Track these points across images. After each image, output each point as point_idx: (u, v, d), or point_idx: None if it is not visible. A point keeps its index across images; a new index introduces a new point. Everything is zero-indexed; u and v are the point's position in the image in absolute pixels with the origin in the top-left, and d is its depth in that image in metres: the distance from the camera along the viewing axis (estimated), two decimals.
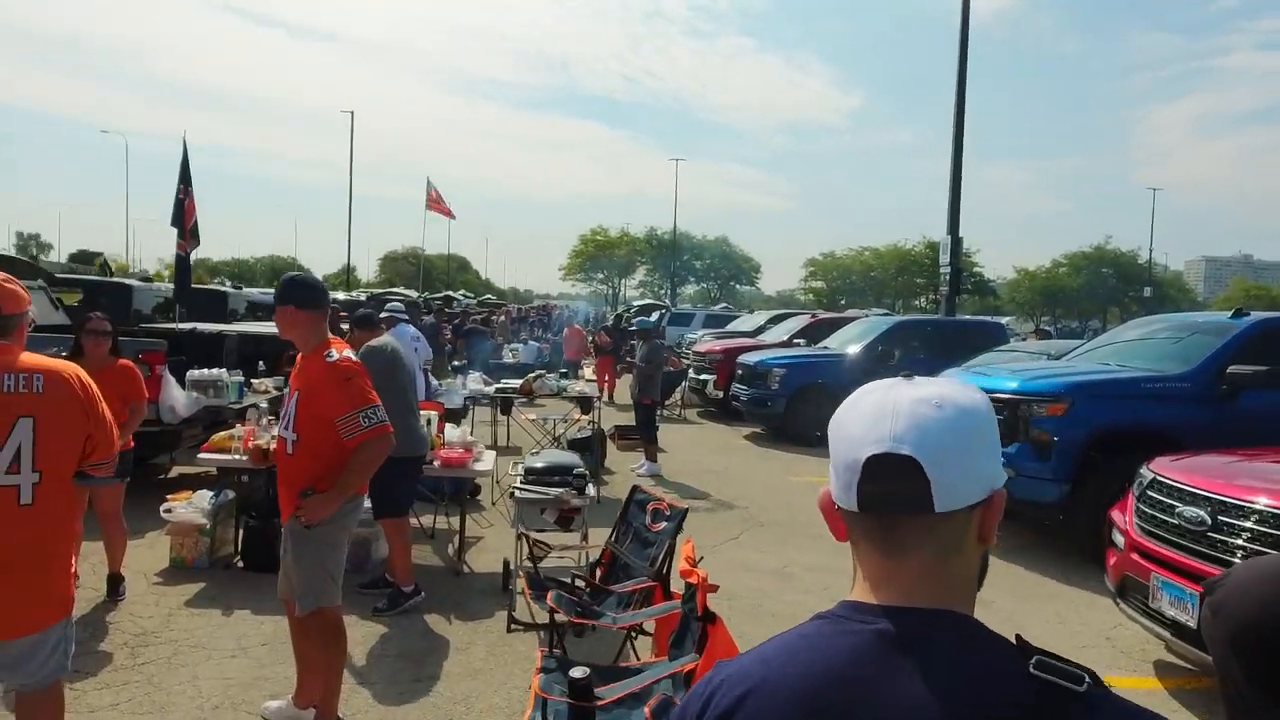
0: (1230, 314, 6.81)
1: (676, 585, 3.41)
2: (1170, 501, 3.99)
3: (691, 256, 60.33)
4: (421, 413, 5.55)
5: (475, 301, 37.78)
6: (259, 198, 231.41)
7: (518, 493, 4.47)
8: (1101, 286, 57.22)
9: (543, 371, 8.17)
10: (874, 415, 0.85)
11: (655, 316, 27.60)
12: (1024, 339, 17.25)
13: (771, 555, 6.17)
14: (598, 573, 3.84)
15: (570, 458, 4.84)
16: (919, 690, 0.77)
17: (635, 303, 40.27)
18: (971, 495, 0.85)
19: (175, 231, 10.16)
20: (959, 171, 16.82)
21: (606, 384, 15.87)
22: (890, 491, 0.83)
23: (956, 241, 17.05)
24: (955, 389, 0.88)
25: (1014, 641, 0.82)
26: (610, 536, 3.87)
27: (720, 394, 13.38)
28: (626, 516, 3.84)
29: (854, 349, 12.03)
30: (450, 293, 35.19)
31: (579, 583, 3.69)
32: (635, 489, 3.91)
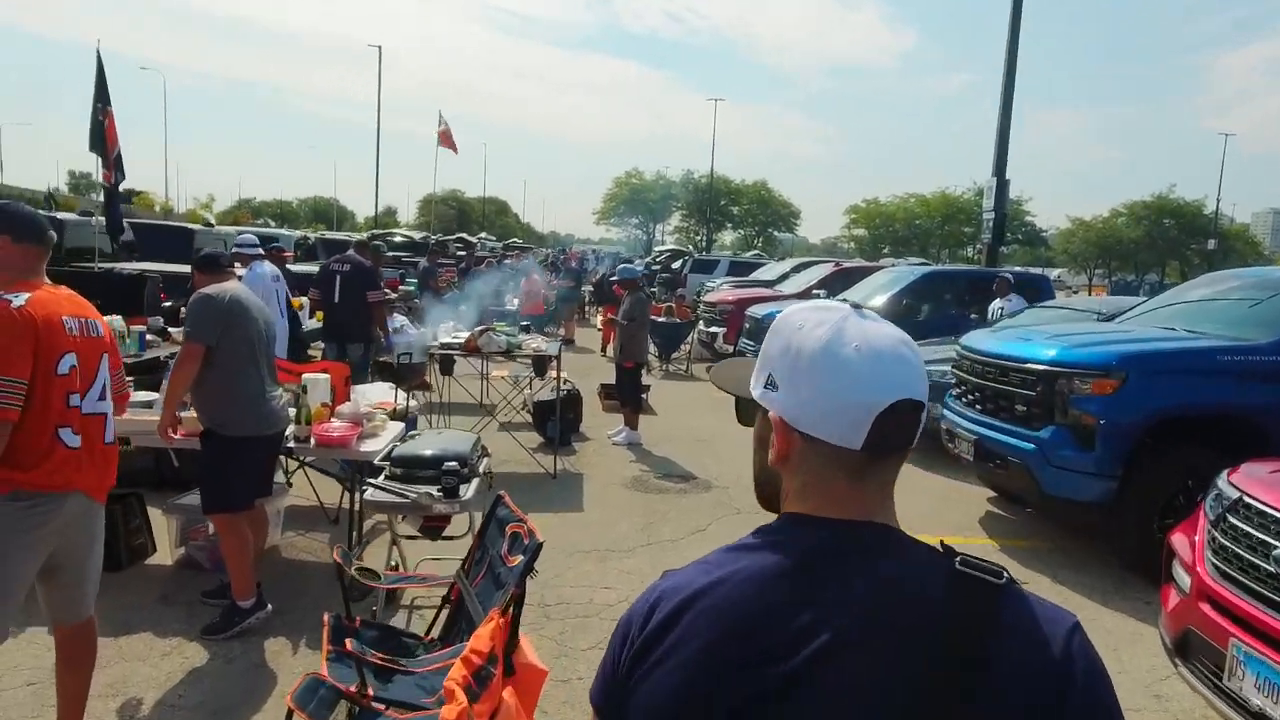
0: None
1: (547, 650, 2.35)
2: (1265, 537, 2.80)
3: (729, 202, 58.20)
4: (311, 376, 4.54)
5: (501, 246, 36.59)
6: (300, 138, 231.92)
7: (368, 491, 3.43)
8: (1162, 238, 53.81)
9: (490, 326, 7.07)
10: (876, 356, 0.85)
11: (679, 263, 26.36)
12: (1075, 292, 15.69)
13: None
14: (442, 617, 2.75)
15: (454, 445, 3.71)
16: (859, 588, 0.81)
17: (662, 248, 38.76)
18: None
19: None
20: (1009, 108, 15.27)
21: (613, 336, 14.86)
22: (896, 433, 0.85)
23: (1002, 185, 15.52)
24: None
25: (939, 547, 0.86)
26: (461, 565, 2.76)
27: (730, 348, 12.25)
28: (484, 538, 2.72)
29: (877, 301, 10.76)
30: (464, 235, 33.85)
31: (404, 641, 2.61)
32: (498, 500, 2.76)
